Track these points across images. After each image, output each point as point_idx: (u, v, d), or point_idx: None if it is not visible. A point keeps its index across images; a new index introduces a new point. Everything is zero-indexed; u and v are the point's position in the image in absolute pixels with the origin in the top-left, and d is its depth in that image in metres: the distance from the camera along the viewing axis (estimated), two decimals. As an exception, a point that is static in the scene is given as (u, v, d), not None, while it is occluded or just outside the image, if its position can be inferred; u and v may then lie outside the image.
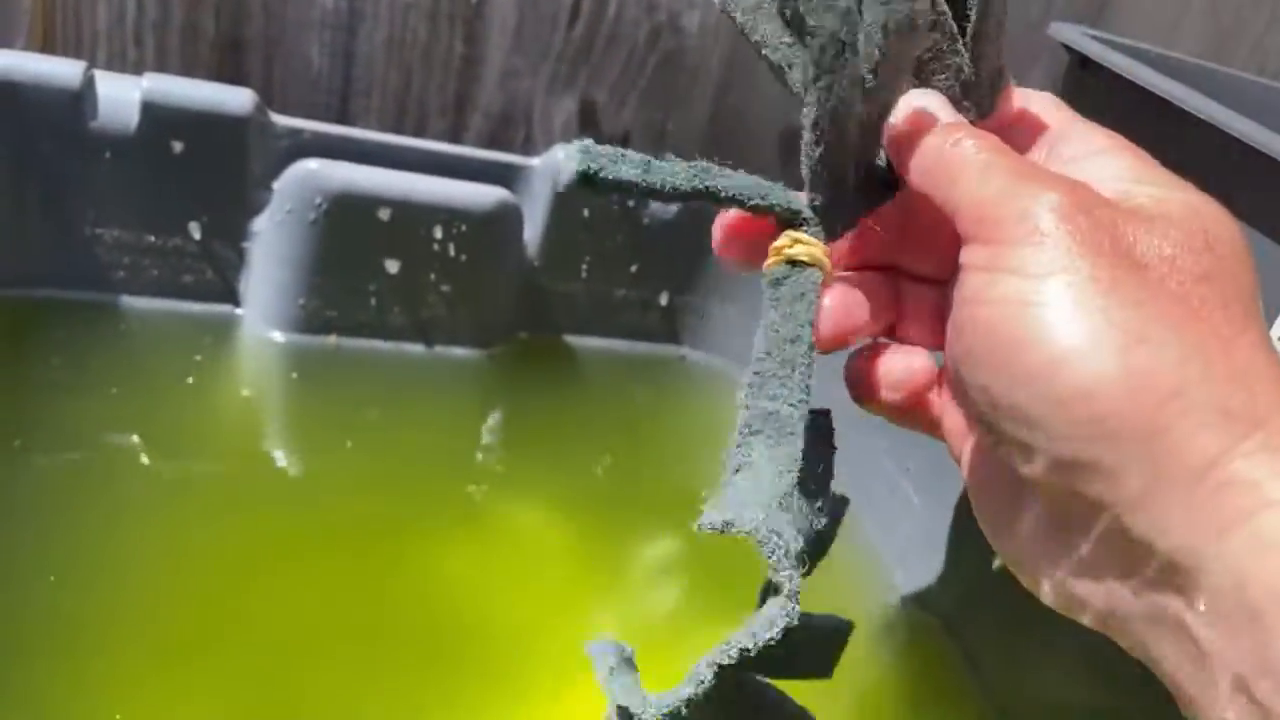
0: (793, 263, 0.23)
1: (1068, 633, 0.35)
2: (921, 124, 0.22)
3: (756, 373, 0.22)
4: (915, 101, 0.23)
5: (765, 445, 0.22)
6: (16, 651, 0.30)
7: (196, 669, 0.31)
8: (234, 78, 0.50)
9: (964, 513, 0.39)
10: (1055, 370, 0.18)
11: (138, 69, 0.47)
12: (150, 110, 0.41)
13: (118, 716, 0.29)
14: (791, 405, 0.22)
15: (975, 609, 0.39)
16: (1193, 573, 0.18)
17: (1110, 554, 0.19)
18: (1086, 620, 0.21)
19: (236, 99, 0.42)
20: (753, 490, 0.22)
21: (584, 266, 0.51)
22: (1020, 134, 0.24)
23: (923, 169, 0.22)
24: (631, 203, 0.50)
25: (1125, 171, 0.21)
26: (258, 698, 0.31)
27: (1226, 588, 0.17)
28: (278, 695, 0.31)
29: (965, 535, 0.39)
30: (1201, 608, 0.18)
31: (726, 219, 0.24)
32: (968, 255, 0.21)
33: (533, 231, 0.49)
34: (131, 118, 0.41)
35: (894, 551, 0.44)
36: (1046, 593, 0.21)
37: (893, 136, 0.23)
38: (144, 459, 0.38)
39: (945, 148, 0.22)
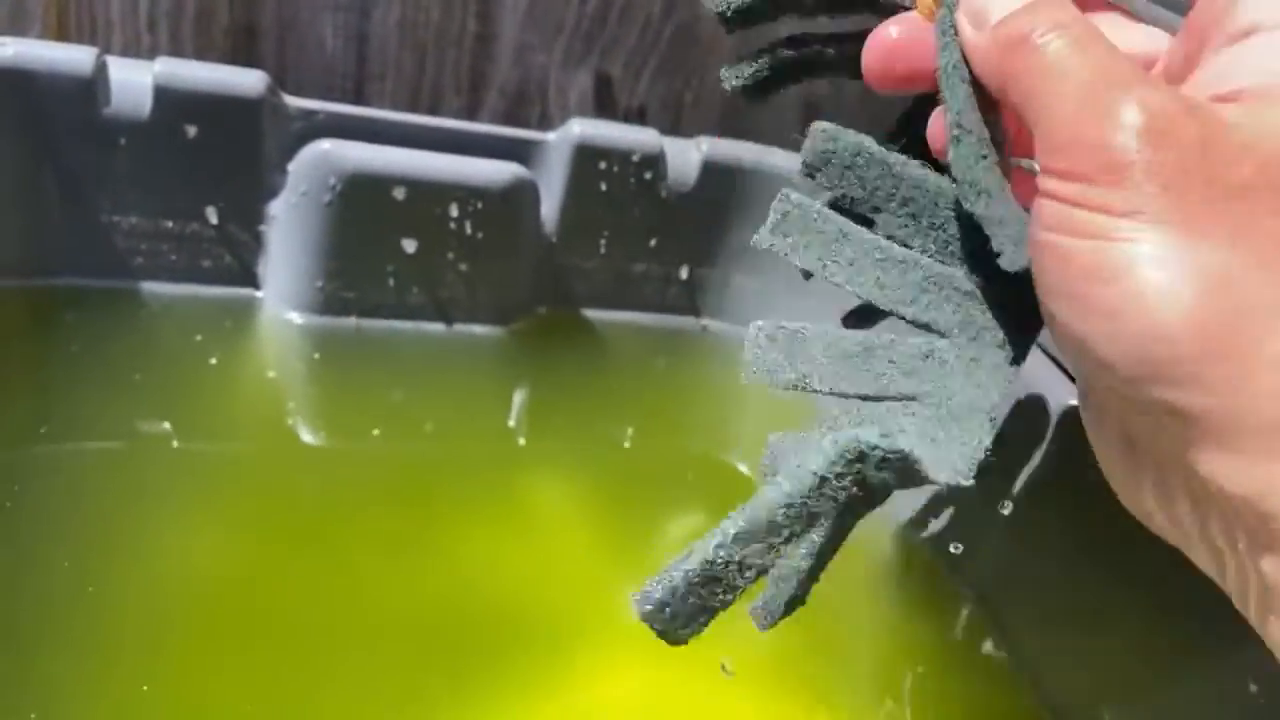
0: None
1: (1109, 615, 0.34)
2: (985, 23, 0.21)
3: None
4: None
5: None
6: (43, 639, 0.30)
7: (227, 650, 0.31)
8: (248, 63, 0.50)
9: (999, 482, 0.38)
10: (1131, 308, 0.17)
11: (151, 56, 0.47)
12: (163, 95, 0.41)
13: (145, 687, 0.29)
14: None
15: (1012, 581, 0.39)
16: (1270, 522, 0.17)
17: (1192, 495, 0.19)
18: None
19: (248, 81, 0.42)
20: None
21: (603, 241, 0.50)
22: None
23: (997, 75, 0.21)
24: (648, 174, 0.49)
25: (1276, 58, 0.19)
26: (287, 675, 0.31)
27: None
28: (306, 674, 0.31)
29: (998, 504, 0.38)
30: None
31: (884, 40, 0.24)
32: (1044, 183, 0.19)
33: (550, 207, 0.49)
34: (144, 103, 0.41)
35: (930, 520, 0.43)
36: (1157, 525, 0.21)
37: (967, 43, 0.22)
38: (172, 443, 0.38)
39: (1016, 45, 0.20)
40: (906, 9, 0.24)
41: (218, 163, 0.43)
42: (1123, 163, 0.18)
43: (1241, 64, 0.19)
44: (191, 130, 0.42)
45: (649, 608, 0.19)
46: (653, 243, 0.52)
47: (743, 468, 0.46)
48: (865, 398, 0.25)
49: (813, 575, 0.22)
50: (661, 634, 0.19)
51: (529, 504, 0.41)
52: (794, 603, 0.23)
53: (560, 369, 0.49)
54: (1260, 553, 0.17)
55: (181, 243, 0.45)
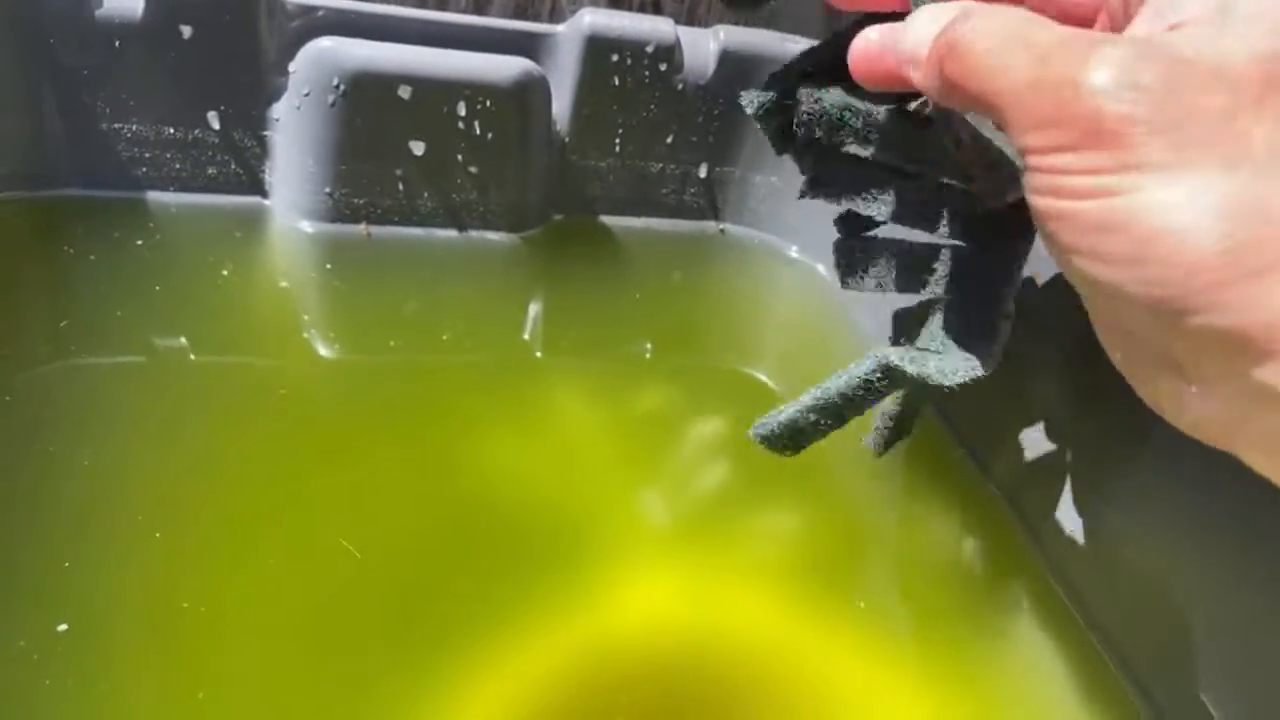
0: None
1: (1130, 489, 0.34)
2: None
3: None
4: (919, 24, 0.23)
5: None
6: (67, 544, 0.30)
7: (246, 557, 0.32)
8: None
9: (1029, 379, 0.37)
10: (1150, 252, 0.18)
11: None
12: (154, -6, 0.39)
13: (164, 588, 0.29)
14: None
15: (1034, 472, 0.38)
16: None
17: (1242, 400, 0.19)
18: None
19: (242, -24, 0.40)
20: None
21: (617, 139, 0.49)
22: None
23: (944, 94, 0.21)
24: (663, 66, 0.47)
25: None
26: (306, 584, 0.32)
27: None
28: (325, 583, 0.32)
29: (1018, 388, 0.38)
30: None
31: None
32: (1030, 160, 0.20)
33: (561, 104, 0.47)
34: (137, 3, 0.39)
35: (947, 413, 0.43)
36: (1206, 434, 0.21)
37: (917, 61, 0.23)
38: (190, 357, 0.38)
39: (963, 43, 0.21)
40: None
41: (216, 64, 0.42)
42: (1102, 125, 0.18)
43: None
44: (187, 30, 0.41)
45: (761, 434, 0.29)
46: (669, 139, 0.50)
47: (761, 377, 0.46)
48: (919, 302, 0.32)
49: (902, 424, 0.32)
50: (769, 450, 0.30)
51: (548, 415, 0.40)
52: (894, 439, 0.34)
53: (577, 278, 0.48)
54: None
55: (185, 150, 0.43)
